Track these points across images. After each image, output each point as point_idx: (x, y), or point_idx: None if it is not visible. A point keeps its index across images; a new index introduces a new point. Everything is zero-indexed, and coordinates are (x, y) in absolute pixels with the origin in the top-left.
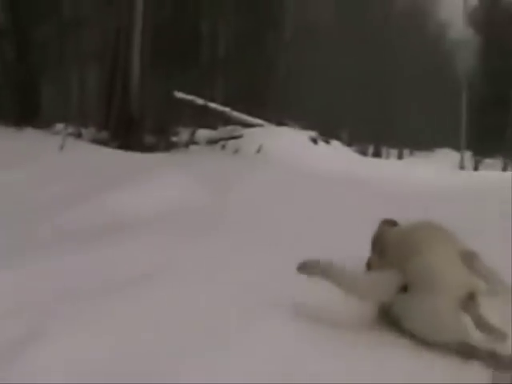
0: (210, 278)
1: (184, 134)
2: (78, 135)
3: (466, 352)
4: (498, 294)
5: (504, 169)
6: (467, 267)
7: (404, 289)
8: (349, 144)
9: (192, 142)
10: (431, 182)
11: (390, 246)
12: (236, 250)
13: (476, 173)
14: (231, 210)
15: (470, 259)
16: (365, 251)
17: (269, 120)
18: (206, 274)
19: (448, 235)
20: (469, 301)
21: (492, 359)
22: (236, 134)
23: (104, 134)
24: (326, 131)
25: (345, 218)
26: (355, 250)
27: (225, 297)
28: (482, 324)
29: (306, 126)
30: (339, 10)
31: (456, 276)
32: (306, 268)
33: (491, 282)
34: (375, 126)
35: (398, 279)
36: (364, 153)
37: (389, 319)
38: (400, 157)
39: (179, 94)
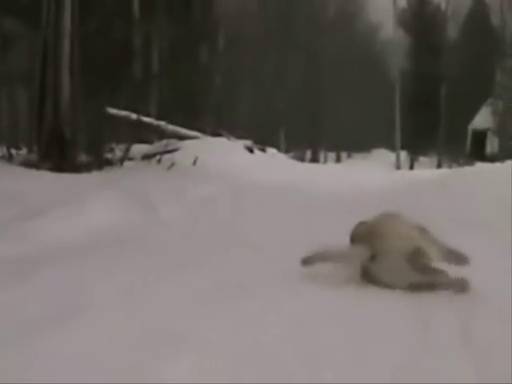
0: (130, 313)
1: (119, 151)
2: (9, 158)
3: (416, 288)
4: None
5: (438, 165)
6: (422, 237)
7: (373, 257)
8: (286, 151)
9: (127, 158)
10: (368, 182)
11: (362, 235)
12: (160, 276)
13: (410, 172)
14: (162, 230)
15: (423, 231)
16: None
17: (204, 131)
18: (125, 308)
19: (402, 218)
20: (416, 254)
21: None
22: (171, 147)
23: (35, 156)
24: (262, 139)
25: (282, 226)
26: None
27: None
28: (424, 267)
29: (242, 136)
30: (268, 15)
31: (403, 241)
32: (309, 261)
33: (440, 245)
34: (311, 132)
35: (369, 251)
36: (302, 158)
37: (368, 278)
38: (338, 160)
39: (112, 110)
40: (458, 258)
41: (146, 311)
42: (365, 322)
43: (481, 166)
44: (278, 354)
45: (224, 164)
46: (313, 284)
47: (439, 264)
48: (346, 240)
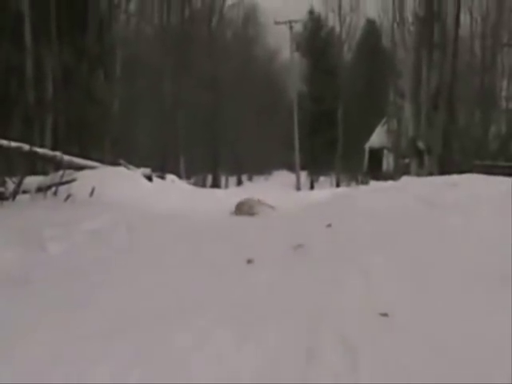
0: None
1: (11, 184)
2: None
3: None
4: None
5: (337, 185)
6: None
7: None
8: (187, 177)
9: (20, 191)
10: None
11: (239, 207)
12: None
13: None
14: (42, 267)
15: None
16: None
17: (103, 161)
18: None
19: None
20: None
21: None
22: (68, 178)
23: None
24: (163, 166)
25: (167, 260)
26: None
27: None
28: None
29: (141, 164)
30: (166, 39)
31: (250, 204)
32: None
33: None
34: (212, 156)
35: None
36: (203, 184)
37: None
38: (239, 183)
39: (3, 142)
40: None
41: None
42: None
43: (372, 185)
44: None
45: (121, 194)
46: None
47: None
48: None
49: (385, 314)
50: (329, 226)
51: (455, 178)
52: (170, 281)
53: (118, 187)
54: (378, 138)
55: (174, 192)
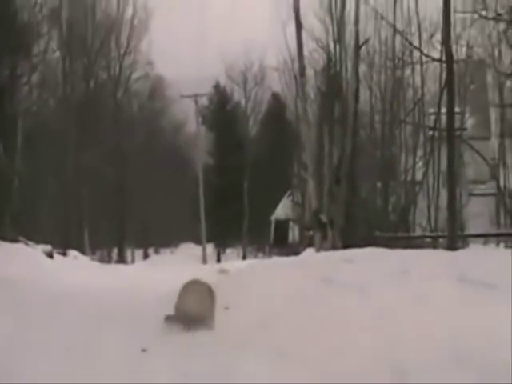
0: None
1: None
2: None
3: None
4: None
5: (243, 257)
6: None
7: None
8: (92, 252)
9: None
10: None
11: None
12: None
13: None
14: None
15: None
16: None
17: (1, 238)
18: None
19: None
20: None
21: None
22: None
23: None
24: (66, 242)
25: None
26: None
27: None
28: None
29: (44, 240)
30: (69, 109)
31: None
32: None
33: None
34: (117, 230)
35: None
36: (108, 259)
37: None
38: (145, 256)
39: None
40: None
41: None
42: None
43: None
44: None
45: (18, 272)
46: None
47: None
48: None
49: None
50: (226, 308)
51: (352, 253)
52: None
53: (15, 265)
54: (283, 209)
55: (75, 269)
